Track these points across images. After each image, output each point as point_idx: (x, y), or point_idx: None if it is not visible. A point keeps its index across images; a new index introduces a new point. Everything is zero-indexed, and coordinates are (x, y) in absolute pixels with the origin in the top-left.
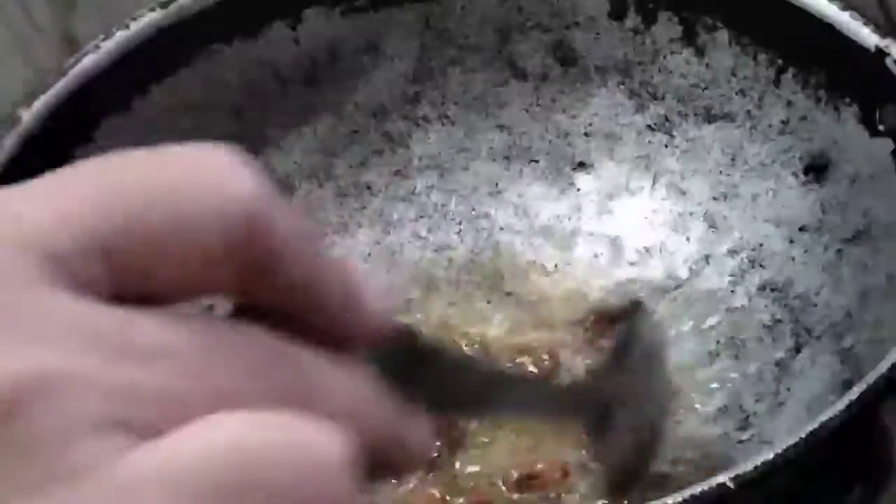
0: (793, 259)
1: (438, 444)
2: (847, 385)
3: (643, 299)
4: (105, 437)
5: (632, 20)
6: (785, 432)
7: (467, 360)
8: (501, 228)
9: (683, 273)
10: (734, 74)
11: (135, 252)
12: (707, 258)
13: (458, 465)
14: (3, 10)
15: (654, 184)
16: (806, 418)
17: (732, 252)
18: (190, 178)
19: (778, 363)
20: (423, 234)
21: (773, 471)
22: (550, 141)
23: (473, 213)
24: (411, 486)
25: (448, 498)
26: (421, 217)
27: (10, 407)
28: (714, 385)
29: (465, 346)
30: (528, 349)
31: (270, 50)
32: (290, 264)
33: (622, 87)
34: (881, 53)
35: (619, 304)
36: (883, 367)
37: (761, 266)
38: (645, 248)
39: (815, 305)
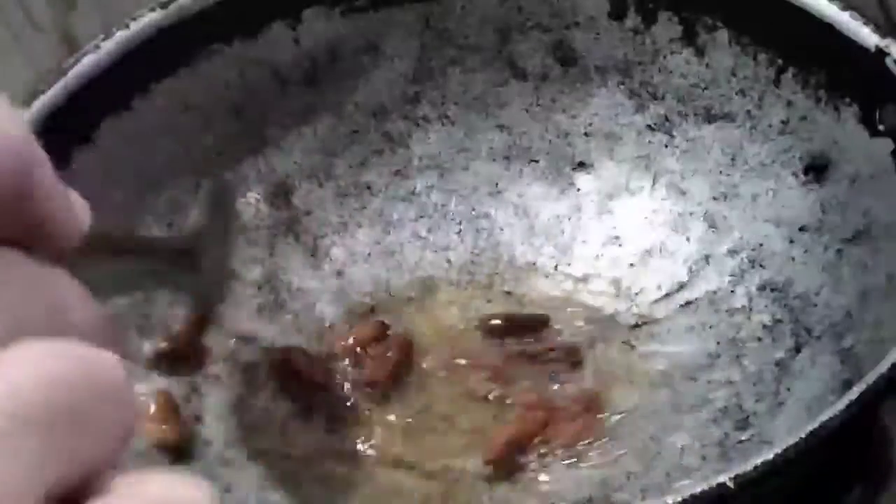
0: (793, 259)
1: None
2: (847, 385)
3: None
4: None
5: (632, 20)
6: (785, 432)
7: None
8: (501, 228)
9: (683, 273)
10: (734, 74)
11: None
12: (707, 258)
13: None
14: (3, 10)
15: (654, 184)
16: (806, 418)
17: (732, 252)
18: None
19: (778, 363)
20: (423, 234)
21: (773, 471)
22: (550, 141)
23: (473, 213)
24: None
25: None
26: (421, 217)
27: None
28: (714, 385)
29: (465, 346)
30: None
31: (270, 50)
32: (42, 206)
33: (622, 87)
34: (881, 53)
35: (618, 303)
36: (883, 367)
37: (761, 266)
38: (645, 248)
39: (815, 305)
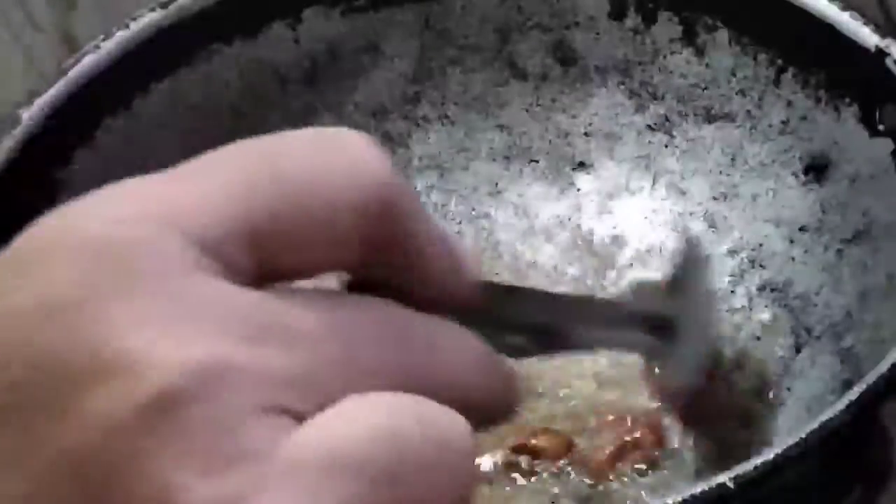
0: (793, 259)
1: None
2: (847, 385)
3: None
4: (269, 421)
5: (632, 20)
6: (785, 432)
7: (534, 294)
8: (501, 228)
9: None
10: (734, 74)
11: (277, 238)
12: (707, 258)
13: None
14: (3, 10)
15: (654, 184)
16: (806, 418)
17: (732, 252)
18: (328, 163)
19: (778, 363)
20: None
21: (773, 471)
22: (550, 141)
23: (473, 213)
24: None
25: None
26: None
27: (184, 394)
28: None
29: None
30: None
31: (270, 50)
32: (410, 241)
33: (622, 87)
34: (881, 53)
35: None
36: (883, 367)
37: (761, 266)
38: (645, 248)
39: (815, 305)
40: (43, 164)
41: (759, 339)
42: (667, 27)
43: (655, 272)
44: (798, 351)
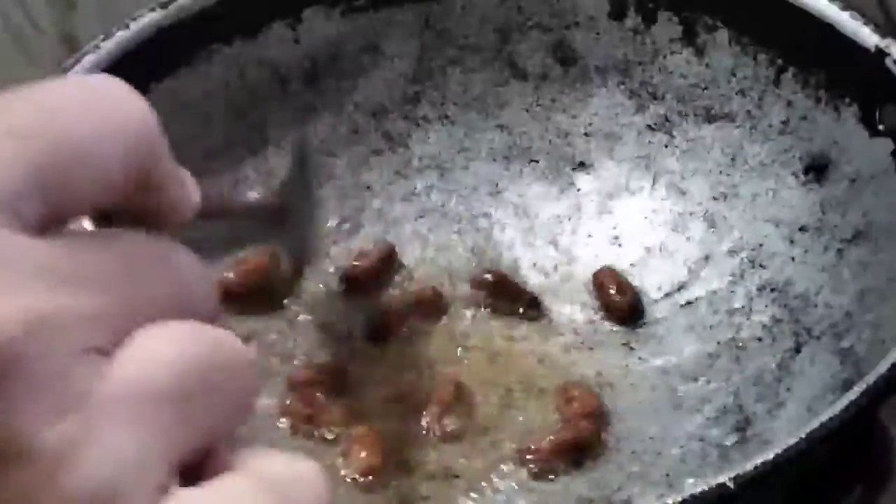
0: (793, 259)
1: None
2: (847, 385)
3: None
4: (88, 363)
5: (632, 20)
6: (785, 432)
7: None
8: (501, 228)
9: (683, 273)
10: (734, 74)
11: (61, 189)
12: (707, 258)
13: None
14: (3, 10)
15: (654, 184)
16: (806, 418)
17: (732, 252)
18: (97, 112)
19: (778, 363)
20: (423, 233)
21: (773, 471)
22: (550, 141)
23: (473, 213)
24: None
25: None
26: (421, 217)
27: (14, 349)
28: (714, 385)
29: (465, 347)
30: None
31: (270, 50)
32: (163, 176)
33: (622, 87)
34: (881, 53)
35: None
36: (883, 367)
37: (761, 266)
38: (645, 248)
39: (815, 305)
40: None
41: (759, 339)
42: (667, 27)
43: (654, 272)
44: (798, 351)
